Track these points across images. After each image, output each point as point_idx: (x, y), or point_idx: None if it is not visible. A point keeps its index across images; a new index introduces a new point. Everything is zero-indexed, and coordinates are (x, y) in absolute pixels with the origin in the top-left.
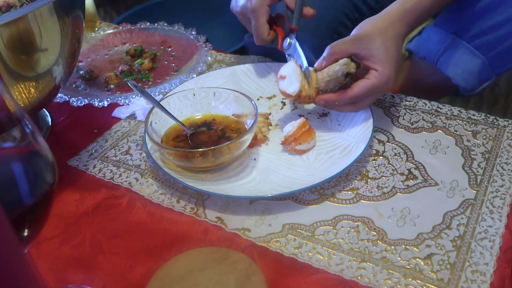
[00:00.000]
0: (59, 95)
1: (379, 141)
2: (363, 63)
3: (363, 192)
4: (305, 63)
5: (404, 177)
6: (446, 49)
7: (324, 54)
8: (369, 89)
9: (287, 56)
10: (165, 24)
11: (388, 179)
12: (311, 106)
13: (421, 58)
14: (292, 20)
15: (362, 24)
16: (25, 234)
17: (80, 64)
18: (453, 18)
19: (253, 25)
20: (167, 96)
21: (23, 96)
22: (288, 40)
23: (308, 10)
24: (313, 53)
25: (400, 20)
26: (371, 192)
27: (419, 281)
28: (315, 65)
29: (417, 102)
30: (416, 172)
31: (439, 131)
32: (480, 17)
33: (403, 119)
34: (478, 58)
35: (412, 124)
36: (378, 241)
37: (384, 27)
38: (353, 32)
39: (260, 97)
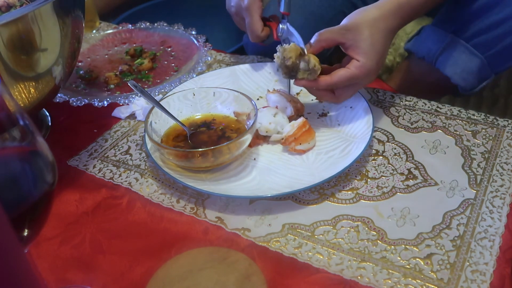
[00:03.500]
0: (59, 95)
1: (379, 141)
2: (347, 53)
3: (363, 192)
4: (301, 43)
5: (404, 177)
6: (444, 48)
7: (312, 40)
8: (348, 78)
9: (282, 43)
10: (165, 24)
11: (388, 179)
12: (311, 106)
13: (420, 58)
14: (282, 6)
15: (353, 13)
16: (25, 234)
17: (80, 64)
18: (451, 17)
19: (247, 22)
20: (167, 96)
21: (23, 96)
22: (281, 26)
23: None
24: None
25: (393, 13)
26: (371, 192)
27: (419, 281)
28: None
29: (417, 102)
30: (416, 172)
31: (439, 131)
32: (478, 16)
33: (403, 119)
34: (476, 57)
35: (411, 124)
36: (378, 241)
37: (375, 19)
38: (344, 21)
39: (260, 97)
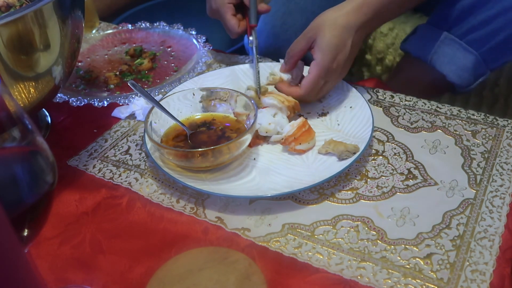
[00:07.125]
0: (58, 95)
1: (379, 141)
2: (310, 51)
3: (362, 191)
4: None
5: (404, 176)
6: (439, 46)
7: (285, 59)
8: (312, 83)
9: (250, 52)
10: (165, 24)
11: (387, 179)
12: (310, 106)
13: (416, 57)
14: (250, 19)
15: (318, 16)
16: (25, 234)
17: (79, 64)
18: (445, 15)
19: (223, 23)
20: (167, 96)
21: (23, 96)
22: (250, 38)
23: (263, 6)
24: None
25: (354, 10)
26: (371, 191)
27: (419, 281)
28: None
29: (417, 101)
30: (415, 172)
31: (439, 130)
32: (470, 13)
33: (403, 118)
34: (471, 54)
35: (411, 123)
36: (378, 241)
37: (335, 17)
38: (311, 23)
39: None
